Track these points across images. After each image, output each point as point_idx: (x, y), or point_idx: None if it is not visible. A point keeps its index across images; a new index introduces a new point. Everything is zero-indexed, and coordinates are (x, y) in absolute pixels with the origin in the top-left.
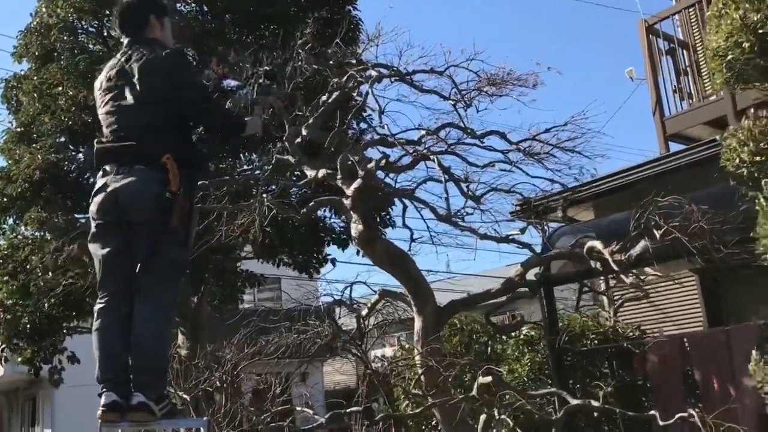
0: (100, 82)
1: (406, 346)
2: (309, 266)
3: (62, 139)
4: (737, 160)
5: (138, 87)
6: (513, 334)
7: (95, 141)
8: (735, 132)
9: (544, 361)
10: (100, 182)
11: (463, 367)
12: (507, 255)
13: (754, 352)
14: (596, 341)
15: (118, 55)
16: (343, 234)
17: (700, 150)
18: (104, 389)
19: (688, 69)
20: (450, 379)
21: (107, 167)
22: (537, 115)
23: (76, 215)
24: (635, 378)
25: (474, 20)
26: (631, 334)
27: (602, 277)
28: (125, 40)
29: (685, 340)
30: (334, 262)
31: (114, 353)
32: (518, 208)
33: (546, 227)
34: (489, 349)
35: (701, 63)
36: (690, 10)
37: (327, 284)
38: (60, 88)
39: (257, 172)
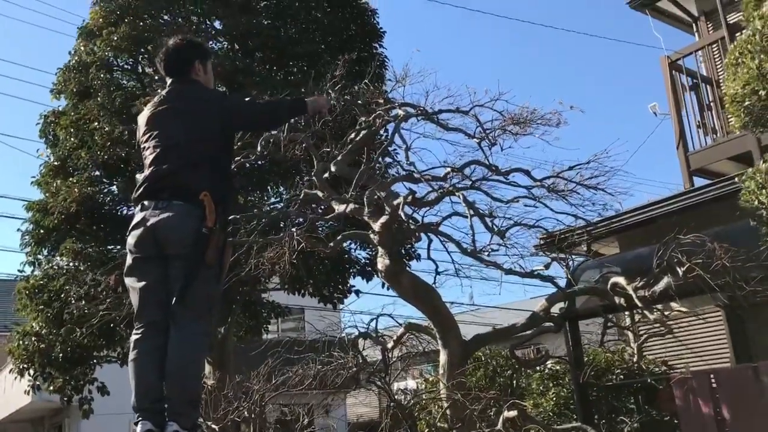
0: (143, 119)
1: (430, 378)
2: (333, 297)
3: (97, 173)
4: (756, 202)
5: (180, 125)
6: (538, 368)
7: (136, 175)
8: (753, 175)
9: (569, 396)
10: (138, 216)
11: (488, 401)
12: (531, 288)
13: None
14: (621, 376)
15: (163, 93)
16: (368, 266)
17: (723, 185)
18: (140, 418)
19: (711, 104)
20: (475, 413)
21: (146, 202)
22: (561, 152)
23: (109, 247)
24: (661, 414)
25: (497, 58)
26: (656, 369)
27: (627, 312)
28: (169, 81)
29: (712, 376)
30: (358, 293)
31: (149, 382)
32: (542, 242)
33: (571, 261)
34: (514, 383)
35: (725, 98)
36: (713, 46)
37: (351, 315)
38: (96, 124)
39: (282, 206)
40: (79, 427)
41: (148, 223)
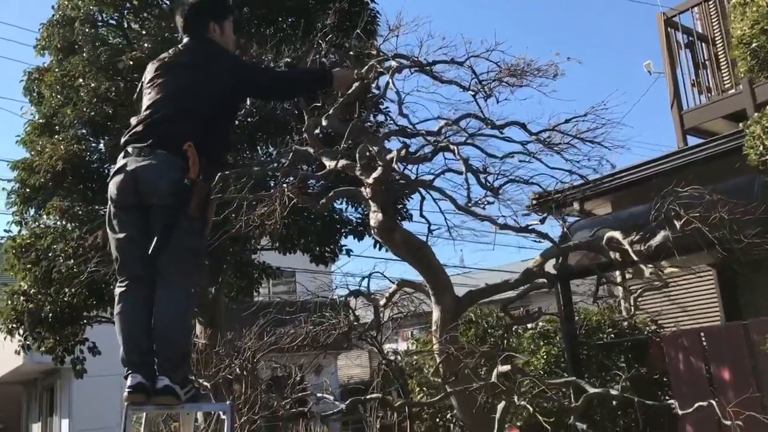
0: (150, 68)
1: (421, 339)
2: (325, 257)
3: (83, 131)
4: (761, 148)
5: (185, 77)
6: (528, 327)
7: (131, 119)
8: (759, 119)
9: (560, 354)
10: (119, 163)
11: (480, 358)
12: (523, 250)
13: None
14: (612, 335)
15: (171, 51)
16: (360, 225)
17: (718, 143)
18: (129, 371)
19: (707, 62)
20: (469, 368)
21: (129, 149)
22: (555, 107)
23: (97, 206)
24: (651, 371)
25: (491, 13)
26: (647, 328)
27: (619, 271)
28: (185, 39)
29: (702, 334)
30: (349, 253)
31: (137, 336)
32: (535, 201)
33: (565, 219)
34: (505, 342)
35: (720, 56)
36: (710, 2)
37: (343, 276)
38: (81, 81)
39: (274, 164)
40: (71, 388)
41: (128, 169)
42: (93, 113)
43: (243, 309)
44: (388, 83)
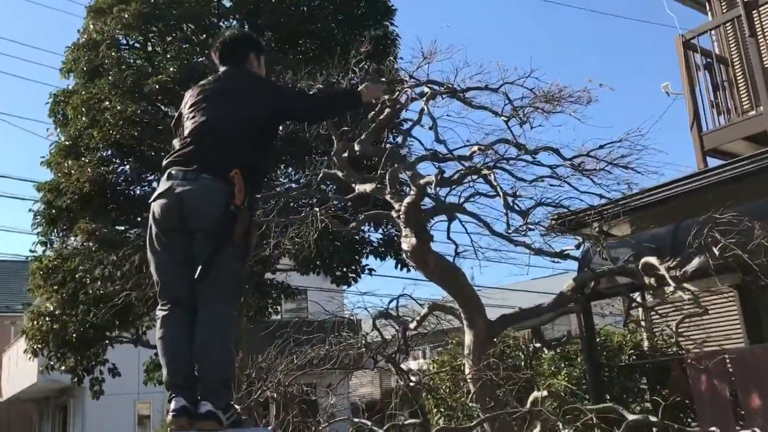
0: (190, 93)
1: (438, 359)
2: (347, 277)
3: (109, 153)
4: None
5: (227, 101)
6: (547, 350)
7: (173, 141)
8: None
9: (580, 376)
10: (163, 185)
11: (515, 383)
12: (533, 270)
13: None
14: (634, 357)
15: (211, 77)
16: (381, 246)
17: (739, 165)
18: (173, 394)
19: (725, 84)
20: (512, 394)
21: (173, 171)
22: (582, 129)
23: (121, 227)
24: (673, 394)
25: (504, 36)
26: (670, 350)
27: (649, 294)
28: (222, 69)
29: (726, 356)
30: (371, 272)
31: (180, 360)
32: (553, 222)
33: (585, 243)
34: (530, 363)
35: (739, 78)
36: (727, 25)
37: (360, 296)
38: (107, 103)
39: (296, 186)
40: (84, 408)
41: (175, 192)
42: (119, 135)
43: (258, 329)
44: (423, 109)
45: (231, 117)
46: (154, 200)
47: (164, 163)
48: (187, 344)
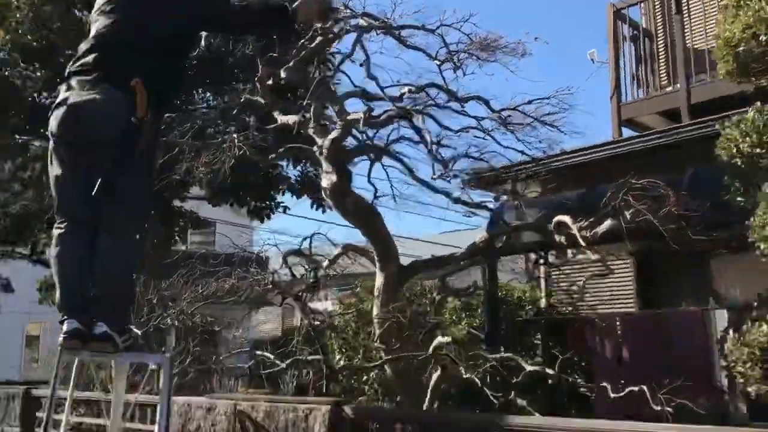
0: (97, 5)
1: (346, 301)
2: (261, 212)
3: (17, 56)
4: (734, 150)
5: (135, 7)
6: (450, 299)
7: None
8: (738, 123)
9: (480, 327)
10: (62, 95)
11: (420, 328)
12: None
13: (731, 332)
14: (531, 313)
15: None
16: (299, 183)
17: (655, 137)
18: (65, 317)
19: (648, 58)
20: (419, 338)
21: (73, 81)
22: (511, 84)
23: (29, 137)
24: (566, 351)
25: None
26: (565, 310)
27: (556, 253)
28: None
29: (617, 319)
30: (286, 209)
31: (76, 281)
32: (470, 176)
33: (506, 198)
34: (435, 310)
35: (660, 53)
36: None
37: (271, 234)
38: (16, 1)
39: (216, 110)
40: None
41: (70, 102)
42: (29, 37)
43: (163, 257)
44: (356, 41)
45: (141, 22)
46: (51, 112)
47: (67, 70)
48: (84, 265)
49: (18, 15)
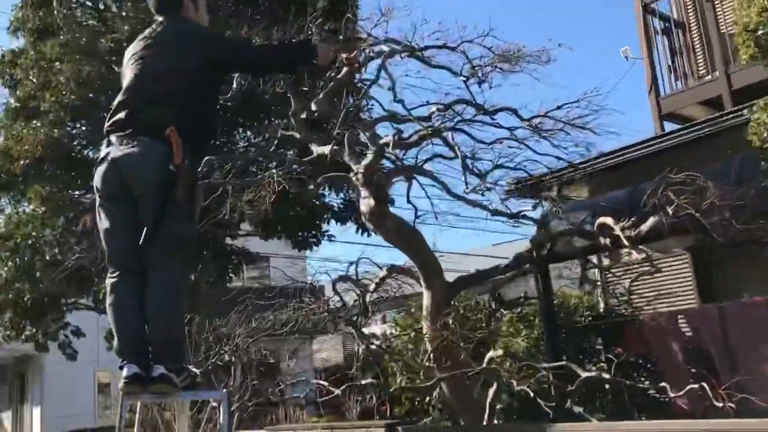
0: (127, 53)
1: (402, 323)
2: (308, 242)
3: (63, 115)
4: (765, 134)
5: (159, 58)
6: (506, 312)
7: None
8: (765, 106)
9: (539, 337)
10: (103, 152)
11: (471, 343)
12: (495, 235)
13: None
14: (590, 318)
15: (147, 31)
16: (342, 210)
17: (696, 129)
18: (124, 362)
19: (683, 49)
20: (468, 353)
21: (112, 138)
22: (546, 92)
23: (77, 191)
24: (627, 354)
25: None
26: (623, 311)
27: (605, 255)
28: (159, 18)
29: (680, 316)
30: (331, 238)
31: (131, 326)
32: (513, 185)
33: (548, 205)
34: (489, 324)
35: (696, 43)
36: None
37: (323, 262)
38: (59, 64)
39: (255, 149)
40: (43, 375)
41: (110, 158)
42: (73, 97)
43: (220, 295)
44: (381, 67)
45: (163, 73)
46: (94, 168)
47: (105, 129)
48: (137, 310)
49: (61, 78)
